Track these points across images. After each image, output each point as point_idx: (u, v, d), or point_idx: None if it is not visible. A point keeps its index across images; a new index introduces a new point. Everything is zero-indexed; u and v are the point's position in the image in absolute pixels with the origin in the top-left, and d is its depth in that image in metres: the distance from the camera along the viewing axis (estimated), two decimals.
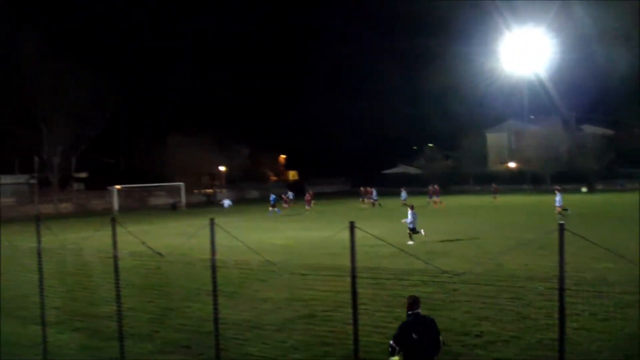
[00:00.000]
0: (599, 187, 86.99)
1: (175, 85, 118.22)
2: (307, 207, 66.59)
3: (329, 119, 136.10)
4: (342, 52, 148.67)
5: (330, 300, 17.58)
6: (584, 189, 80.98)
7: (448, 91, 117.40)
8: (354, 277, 9.78)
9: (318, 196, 76.71)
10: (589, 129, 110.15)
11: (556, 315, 9.08)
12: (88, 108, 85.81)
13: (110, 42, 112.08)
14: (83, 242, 26.82)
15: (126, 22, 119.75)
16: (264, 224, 50.70)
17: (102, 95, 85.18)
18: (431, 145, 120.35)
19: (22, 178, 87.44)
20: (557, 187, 50.77)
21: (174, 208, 75.39)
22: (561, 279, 8.29)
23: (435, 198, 68.83)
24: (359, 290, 9.95)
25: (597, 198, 67.41)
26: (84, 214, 77.46)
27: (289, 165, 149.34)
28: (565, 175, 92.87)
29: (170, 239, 36.49)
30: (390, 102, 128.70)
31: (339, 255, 27.76)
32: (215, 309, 11.67)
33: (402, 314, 16.50)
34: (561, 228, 8.24)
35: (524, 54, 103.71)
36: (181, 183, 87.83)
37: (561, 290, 8.32)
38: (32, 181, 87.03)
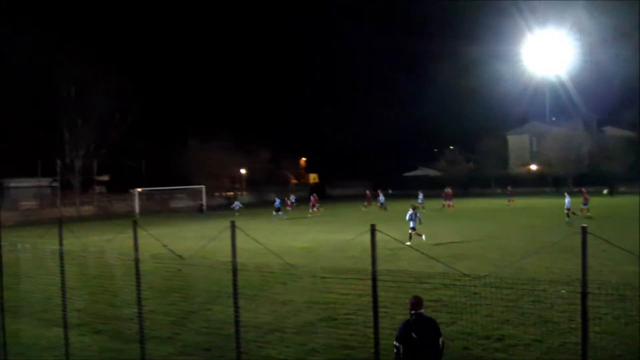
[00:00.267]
0: (621, 189, 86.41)
1: (197, 89, 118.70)
2: (310, 210, 67.40)
3: (350, 121, 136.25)
4: (364, 55, 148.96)
5: (351, 303, 17.56)
6: (605, 192, 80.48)
7: (469, 93, 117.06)
8: (374, 279, 9.76)
9: (338, 199, 76.58)
10: (610, 130, 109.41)
11: (578, 319, 9.02)
12: (110, 112, 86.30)
13: (132, 46, 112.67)
14: (105, 244, 26.95)
15: (148, 26, 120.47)
16: (284, 227, 50.67)
17: (125, 99, 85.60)
18: (452, 147, 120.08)
19: (44, 181, 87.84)
20: (567, 189, 50.82)
21: (200, 210, 75.27)
22: (584, 282, 8.23)
23: (447, 201, 68.43)
24: (380, 293, 9.91)
25: (619, 200, 66.99)
26: (105, 217, 77.79)
27: (309, 168, 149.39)
28: (586, 177, 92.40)
29: (191, 242, 36.59)
30: (411, 104, 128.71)
31: (359, 258, 27.76)
32: (236, 312, 11.67)
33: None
34: (584, 231, 8.18)
35: (546, 55, 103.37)
36: (202, 186, 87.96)
37: (584, 293, 8.26)
38: (55, 184, 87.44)
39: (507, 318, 16.20)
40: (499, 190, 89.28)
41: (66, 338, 14.81)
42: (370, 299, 10.01)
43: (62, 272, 14.91)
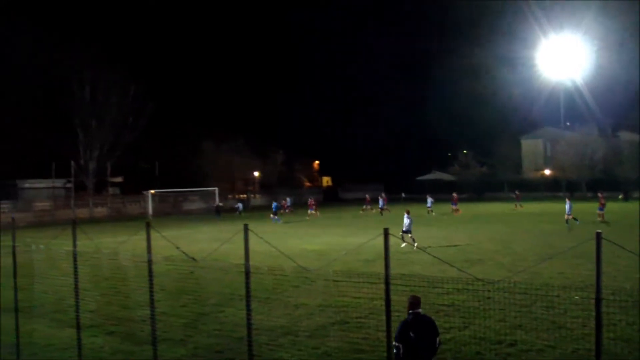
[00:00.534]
0: (635, 194, 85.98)
1: (211, 91, 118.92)
2: (308, 213, 67.79)
3: (363, 125, 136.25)
4: (380, 58, 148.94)
5: (363, 306, 17.55)
6: (620, 197, 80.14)
7: (483, 97, 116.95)
8: (387, 283, 9.74)
9: (351, 202, 76.50)
10: (625, 135, 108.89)
11: (592, 325, 8.99)
12: (124, 114, 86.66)
13: (146, 49, 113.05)
14: (118, 246, 26.98)
15: (162, 29, 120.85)
16: (297, 230, 50.71)
17: (138, 101, 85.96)
18: (465, 151, 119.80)
19: (58, 182, 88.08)
20: (568, 194, 50.85)
21: (217, 212, 75.36)
22: (598, 287, 8.19)
23: (454, 206, 68.16)
24: (392, 297, 9.90)
25: (634, 206, 66.69)
26: (118, 218, 78.03)
27: (322, 171, 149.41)
28: (600, 182, 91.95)
29: (204, 244, 36.63)
30: (425, 107, 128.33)
31: (372, 261, 27.76)
32: (249, 315, 11.66)
33: (435, 321, 16.50)
34: (598, 237, 8.13)
35: (561, 60, 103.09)
36: (215, 188, 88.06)
37: (598, 299, 8.22)
38: (69, 185, 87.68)
39: (520, 323, 16.15)
40: (512, 195, 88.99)
41: (79, 339, 14.84)
42: (383, 303, 9.99)
43: (76, 273, 14.94)
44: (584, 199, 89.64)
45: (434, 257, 16.40)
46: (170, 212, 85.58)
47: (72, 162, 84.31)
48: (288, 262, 20.43)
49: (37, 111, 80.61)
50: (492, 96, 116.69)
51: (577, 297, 16.95)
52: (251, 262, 11.47)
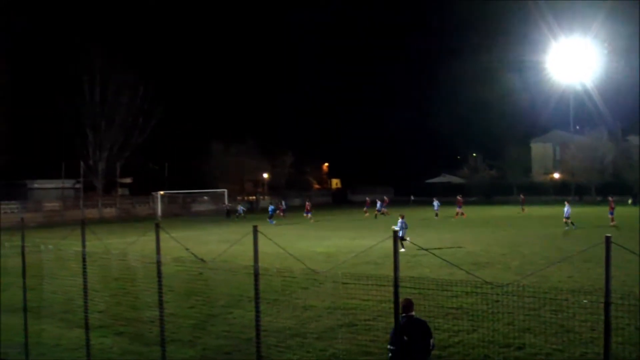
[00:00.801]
0: None
1: (221, 93, 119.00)
2: (305, 215, 68.15)
3: (373, 127, 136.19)
4: (390, 61, 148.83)
5: (371, 309, 17.54)
6: (630, 201, 79.93)
7: (493, 100, 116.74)
8: (396, 286, 9.74)
9: (360, 204, 76.43)
10: (635, 140, 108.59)
11: (600, 329, 8.97)
12: (134, 115, 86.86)
13: (157, 51, 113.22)
14: (127, 247, 27.03)
15: (172, 30, 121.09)
16: (306, 232, 50.73)
17: (148, 102, 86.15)
18: (475, 154, 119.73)
19: (68, 183, 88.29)
20: (569, 198, 51.04)
21: (227, 214, 75.13)
22: (607, 292, 8.18)
23: (458, 209, 67.85)
24: (401, 299, 9.90)
25: None
26: (127, 219, 78.15)
27: (332, 173, 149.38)
28: (610, 186, 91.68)
29: (213, 246, 36.69)
30: (435, 111, 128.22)
31: (381, 264, 27.80)
32: (257, 316, 11.66)
33: (443, 324, 16.51)
34: (608, 241, 8.12)
35: (571, 64, 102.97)
36: (224, 189, 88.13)
37: (607, 303, 8.21)
38: (78, 186, 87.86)
39: (528, 327, 16.12)
40: (524, 199, 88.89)
41: (87, 339, 14.87)
42: (391, 305, 9.99)
43: (85, 273, 14.96)
44: (593, 202, 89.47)
45: (443, 259, 16.40)
46: (179, 213, 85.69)
47: (82, 163, 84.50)
48: (297, 264, 20.46)
49: (47, 112, 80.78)
50: (501, 99, 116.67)
51: (585, 301, 16.93)
52: (260, 264, 11.48)
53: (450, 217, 64.28)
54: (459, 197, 69.75)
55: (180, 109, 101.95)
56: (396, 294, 9.71)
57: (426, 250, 16.69)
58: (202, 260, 14.50)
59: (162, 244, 13.29)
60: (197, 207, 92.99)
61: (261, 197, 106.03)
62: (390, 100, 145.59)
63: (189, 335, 16.99)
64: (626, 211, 62.01)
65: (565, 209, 47.38)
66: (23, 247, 16.31)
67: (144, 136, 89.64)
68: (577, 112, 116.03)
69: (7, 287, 21.86)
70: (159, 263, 13.26)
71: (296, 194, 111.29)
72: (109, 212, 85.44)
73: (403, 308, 10.22)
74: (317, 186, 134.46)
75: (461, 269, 18.38)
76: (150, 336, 16.64)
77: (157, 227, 13.25)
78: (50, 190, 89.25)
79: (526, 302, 17.09)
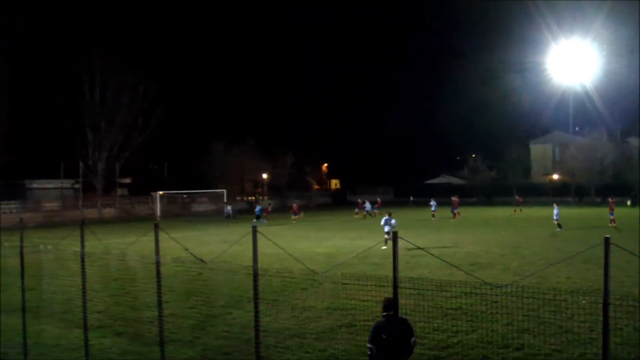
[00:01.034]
0: None
1: (220, 93, 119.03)
2: (293, 217, 68.10)
3: (372, 128, 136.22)
4: (387, 62, 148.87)
5: (371, 309, 17.54)
6: (628, 203, 79.97)
7: (493, 102, 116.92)
8: (396, 286, 9.75)
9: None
10: (634, 141, 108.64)
11: (599, 330, 9.00)
12: (134, 115, 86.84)
13: (157, 50, 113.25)
14: (126, 247, 27.05)
15: (172, 30, 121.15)
16: (306, 233, 50.75)
17: (148, 102, 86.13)
18: (474, 155, 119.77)
19: (67, 182, 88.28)
20: (556, 200, 51.35)
21: (227, 217, 74.75)
22: (605, 293, 8.19)
23: (454, 210, 67.71)
24: (400, 300, 9.92)
25: None
26: (127, 219, 78.12)
27: (331, 174, 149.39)
28: (610, 187, 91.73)
29: (213, 246, 36.73)
30: (435, 111, 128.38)
31: (380, 265, 27.82)
32: (256, 317, 11.67)
33: (442, 324, 16.55)
34: (607, 242, 8.14)
35: (570, 65, 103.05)
36: (224, 190, 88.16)
37: (605, 304, 8.22)
38: (77, 186, 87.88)
39: (527, 327, 16.13)
40: (520, 200, 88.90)
41: (87, 340, 14.87)
42: None
43: (84, 274, 14.97)
44: (593, 204, 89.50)
45: (442, 260, 16.42)
46: (179, 214, 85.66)
47: (81, 163, 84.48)
48: (296, 265, 20.48)
49: (47, 112, 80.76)
50: (501, 101, 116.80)
51: (584, 302, 16.94)
52: (260, 265, 11.50)
53: (449, 217, 64.29)
54: (453, 198, 69.69)
55: (180, 109, 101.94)
56: (396, 294, 9.73)
57: (422, 249, 16.70)
58: (201, 260, 14.52)
59: (161, 245, 13.29)
60: (196, 208, 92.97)
61: (261, 197, 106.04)
62: (390, 101, 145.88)
63: (188, 335, 17.01)
64: (625, 212, 62.06)
65: (555, 210, 47.49)
66: (22, 247, 16.32)
67: (143, 136, 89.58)
68: (577, 114, 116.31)
69: (7, 287, 21.85)
70: (158, 263, 13.26)
71: (296, 195, 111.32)
72: (109, 212, 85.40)
73: (384, 307, 10.38)
74: (316, 187, 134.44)
75: (460, 270, 18.41)
76: (149, 336, 16.65)
77: (157, 227, 13.25)
78: (49, 190, 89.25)
79: (525, 302, 17.09)
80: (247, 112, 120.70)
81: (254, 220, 61.47)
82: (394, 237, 9.56)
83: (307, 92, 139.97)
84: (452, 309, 18.27)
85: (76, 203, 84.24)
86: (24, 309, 16.03)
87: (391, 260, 9.65)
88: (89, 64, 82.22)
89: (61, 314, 19.91)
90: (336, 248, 38.18)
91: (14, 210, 74.91)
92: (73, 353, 15.98)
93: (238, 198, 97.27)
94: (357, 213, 73.24)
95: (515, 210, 72.76)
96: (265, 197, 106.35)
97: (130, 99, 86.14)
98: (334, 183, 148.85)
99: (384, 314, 10.32)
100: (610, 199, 53.13)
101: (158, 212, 79.51)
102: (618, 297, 10.33)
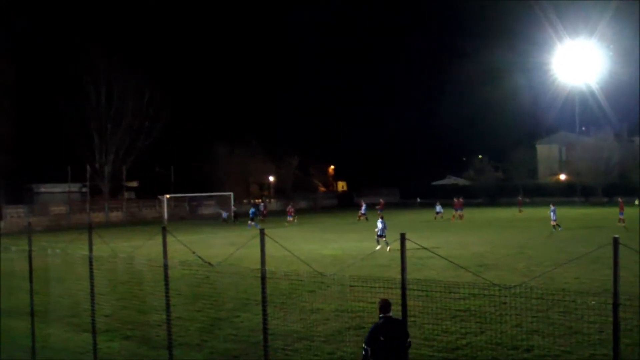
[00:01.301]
0: None
1: (227, 95, 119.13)
2: (288, 219, 68.31)
3: (379, 129, 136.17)
4: (392, 64, 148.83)
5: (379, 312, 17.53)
6: (636, 202, 79.70)
7: (498, 102, 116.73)
8: (404, 288, 9.73)
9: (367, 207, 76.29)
10: None
11: (608, 331, 8.96)
12: (140, 118, 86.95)
13: (163, 54, 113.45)
14: (133, 250, 27.04)
15: (178, 34, 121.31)
16: (312, 235, 50.73)
17: (154, 106, 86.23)
18: (480, 156, 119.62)
19: (74, 186, 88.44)
20: (554, 200, 51.66)
21: (235, 217, 74.17)
22: (615, 293, 8.16)
23: (455, 212, 67.40)
24: (408, 302, 9.90)
25: None
26: (134, 223, 78.15)
27: (337, 175, 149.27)
28: (616, 187, 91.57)
29: (220, 249, 36.67)
30: (441, 112, 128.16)
31: (388, 266, 27.77)
32: (264, 320, 11.68)
33: (451, 326, 16.50)
34: (615, 242, 8.11)
35: (576, 65, 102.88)
36: (230, 193, 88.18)
37: (615, 305, 8.19)
38: (84, 190, 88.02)
39: (536, 329, 16.09)
40: (527, 200, 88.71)
41: (95, 343, 14.89)
42: (398, 308, 10.01)
43: (92, 277, 14.99)
44: (599, 204, 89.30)
45: (450, 262, 16.38)
46: (186, 217, 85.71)
47: (88, 167, 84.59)
48: (304, 267, 20.45)
49: (53, 116, 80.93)
50: (507, 101, 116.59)
51: (593, 303, 16.89)
52: (267, 267, 11.49)
53: (447, 219, 64.27)
54: (455, 199, 69.55)
55: (186, 112, 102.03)
56: (404, 296, 9.72)
57: (425, 248, 16.66)
58: (208, 263, 14.50)
59: (168, 248, 13.31)
60: (203, 211, 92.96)
61: (267, 200, 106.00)
62: (395, 102, 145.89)
63: (196, 338, 17.00)
64: (632, 212, 61.93)
65: (551, 212, 47.49)
66: (30, 251, 16.35)
67: (149, 139, 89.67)
68: (583, 114, 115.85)
69: (15, 291, 21.87)
70: (166, 267, 13.27)
71: (302, 197, 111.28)
72: (116, 215, 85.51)
73: (381, 308, 10.40)
74: (322, 189, 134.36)
75: (468, 271, 18.36)
76: (157, 340, 16.63)
77: (164, 230, 13.26)
78: (56, 194, 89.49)
79: (534, 303, 17.06)
80: (253, 115, 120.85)
81: (249, 222, 61.12)
82: (402, 239, 9.54)
83: (312, 94, 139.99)
84: (460, 310, 18.24)
85: (83, 207, 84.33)
86: (32, 313, 16.06)
87: (398, 262, 9.63)
88: (95, 68, 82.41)
89: (69, 317, 19.92)
90: (343, 250, 38.15)
91: (22, 214, 75.04)
92: (81, 357, 15.98)
93: (244, 201, 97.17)
94: (360, 216, 73.23)
95: (520, 211, 72.53)
96: (272, 200, 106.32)
97: (135, 102, 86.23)
98: (341, 185, 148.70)
99: (381, 315, 10.36)
100: (619, 199, 53.03)
101: (165, 216, 79.54)
102: (627, 297, 10.29)
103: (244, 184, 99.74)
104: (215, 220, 76.90)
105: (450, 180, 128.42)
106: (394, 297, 10.65)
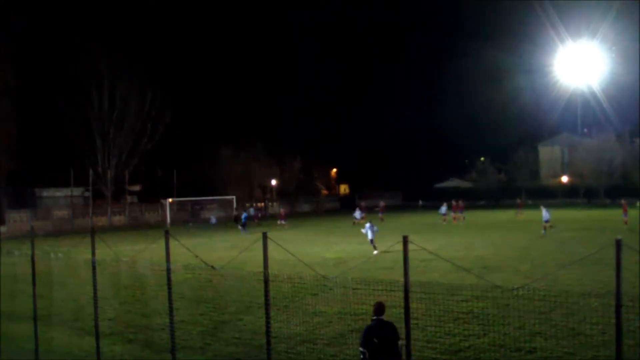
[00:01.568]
0: None
1: (229, 98, 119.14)
2: (279, 222, 68.79)
3: (381, 132, 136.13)
4: (394, 66, 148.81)
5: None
6: (638, 204, 79.64)
7: (500, 104, 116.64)
8: (407, 291, 9.75)
9: (368, 210, 76.30)
10: None
11: (611, 332, 8.97)
12: (142, 122, 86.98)
13: (165, 56, 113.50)
14: (136, 254, 27.08)
15: (180, 37, 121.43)
16: (315, 238, 50.75)
17: (157, 109, 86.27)
18: (483, 158, 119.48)
19: (77, 191, 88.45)
20: (544, 202, 51.59)
21: (236, 220, 73.40)
22: (618, 294, 8.16)
23: (453, 214, 67.17)
24: (411, 304, 9.92)
25: None
26: (137, 227, 78.17)
27: (340, 178, 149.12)
28: (619, 189, 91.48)
29: (223, 252, 36.68)
30: (442, 115, 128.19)
31: (391, 269, 27.72)
32: (267, 323, 11.69)
33: (454, 328, 16.49)
34: (618, 243, 8.12)
35: (578, 67, 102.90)
36: (233, 196, 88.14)
37: (618, 306, 8.19)
38: (87, 194, 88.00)
39: (538, 330, 16.09)
40: (529, 202, 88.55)
41: (98, 347, 14.91)
42: (401, 311, 10.01)
43: (95, 281, 15.02)
44: (602, 205, 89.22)
45: (453, 264, 16.40)
46: (188, 220, 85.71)
47: (91, 171, 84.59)
48: (306, 270, 20.45)
49: (55, 119, 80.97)
50: (509, 103, 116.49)
51: (596, 304, 16.90)
52: (270, 270, 11.51)
53: (458, 221, 64.32)
54: (454, 202, 69.42)
55: (189, 115, 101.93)
56: (407, 299, 9.72)
57: (425, 249, 16.69)
58: (211, 267, 14.52)
59: (171, 251, 13.32)
60: (206, 214, 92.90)
61: (270, 203, 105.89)
62: (397, 105, 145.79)
63: (199, 342, 17.02)
64: (633, 213, 61.91)
65: (544, 213, 47.46)
66: (33, 255, 16.37)
67: (152, 143, 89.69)
68: (585, 115, 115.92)
69: (18, 295, 21.91)
70: (168, 270, 13.29)
71: (305, 200, 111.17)
72: (118, 219, 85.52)
73: (374, 311, 10.69)
74: (325, 191, 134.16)
75: (471, 273, 18.36)
76: (160, 343, 16.66)
77: (167, 234, 13.28)
78: (59, 198, 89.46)
79: (536, 305, 17.07)
80: (255, 117, 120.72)
81: (240, 227, 60.70)
82: (405, 241, 9.55)
83: (314, 96, 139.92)
84: (463, 312, 18.23)
85: (86, 211, 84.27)
86: (35, 317, 16.08)
87: (401, 264, 9.64)
88: (97, 71, 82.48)
89: (72, 321, 19.95)
90: (345, 253, 38.14)
91: (24, 219, 75.10)
92: None
93: (247, 204, 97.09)
94: (363, 218, 73.12)
95: (516, 213, 72.37)
96: (275, 203, 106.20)
97: (138, 106, 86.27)
98: (343, 188, 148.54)
99: (374, 317, 10.60)
100: (623, 201, 52.96)
101: (168, 219, 79.55)
102: (630, 298, 10.30)
103: (247, 187, 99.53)
104: (217, 224, 76.91)
105: (452, 182, 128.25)
106: (397, 299, 10.67)
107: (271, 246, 11.49)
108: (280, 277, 17.29)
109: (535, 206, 70.87)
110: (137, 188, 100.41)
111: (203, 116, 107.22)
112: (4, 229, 69.30)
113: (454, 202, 69.12)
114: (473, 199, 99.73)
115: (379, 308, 10.66)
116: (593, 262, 25.82)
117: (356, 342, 15.78)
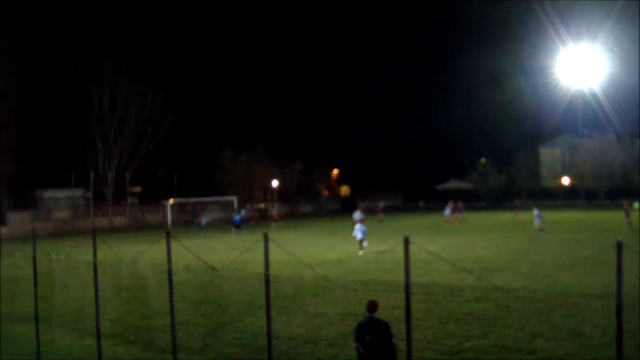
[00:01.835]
0: None
1: (230, 100, 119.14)
2: (272, 224, 69.60)
3: (382, 133, 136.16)
4: (395, 67, 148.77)
5: (383, 315, 17.50)
6: (636, 205, 79.58)
7: (501, 105, 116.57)
8: (408, 292, 9.76)
9: (369, 211, 76.24)
10: None
11: (612, 333, 8.96)
12: (143, 123, 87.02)
13: (166, 58, 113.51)
14: (137, 255, 27.09)
15: (181, 39, 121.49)
16: (316, 239, 50.78)
17: (158, 110, 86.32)
18: (483, 160, 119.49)
19: (78, 192, 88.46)
20: (537, 205, 51.67)
21: (201, 228, 72.65)
22: (619, 296, 8.18)
23: (450, 215, 67.08)
24: (412, 305, 9.93)
25: None
26: (138, 228, 78.15)
27: (341, 179, 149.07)
28: (619, 190, 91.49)
29: (224, 254, 36.69)
30: (444, 116, 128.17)
31: (391, 270, 27.71)
32: (269, 323, 11.70)
33: (455, 329, 16.51)
34: (619, 245, 8.13)
35: (579, 68, 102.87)
36: (234, 197, 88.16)
37: (619, 307, 8.21)
38: (88, 195, 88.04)
39: (539, 331, 16.10)
40: (530, 203, 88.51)
41: (99, 348, 14.92)
42: (402, 312, 10.02)
43: (96, 282, 15.02)
44: (602, 207, 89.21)
45: (454, 265, 16.40)
46: (189, 222, 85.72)
47: (92, 172, 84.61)
48: (307, 271, 20.48)
49: (56, 121, 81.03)
50: (510, 104, 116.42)
51: (597, 305, 16.90)
52: (271, 271, 11.52)
53: (460, 221, 64.35)
54: (452, 203, 69.40)
55: (189, 116, 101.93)
56: (407, 299, 9.73)
57: (428, 251, 16.70)
58: (212, 268, 14.55)
59: (172, 252, 13.34)
60: (207, 215, 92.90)
61: (271, 204, 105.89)
62: (398, 106, 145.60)
63: (200, 343, 17.02)
64: (634, 216, 61.93)
65: (535, 215, 47.52)
66: (34, 256, 16.39)
67: (153, 144, 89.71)
68: (586, 117, 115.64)
69: (19, 296, 21.95)
70: (170, 271, 13.30)
71: (306, 201, 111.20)
72: (119, 221, 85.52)
73: (367, 309, 10.90)
74: (326, 192, 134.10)
75: (472, 274, 18.37)
76: (161, 344, 16.67)
77: (169, 235, 13.29)
78: (60, 199, 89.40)
79: (537, 306, 17.08)
80: (256, 118, 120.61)
81: (233, 229, 60.41)
82: (406, 243, 9.57)
83: (316, 98, 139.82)
84: (464, 313, 18.23)
85: (87, 212, 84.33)
86: (36, 318, 16.09)
87: (402, 265, 9.66)
88: (98, 73, 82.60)
89: (73, 322, 19.96)
90: (346, 254, 38.14)
91: (25, 220, 75.13)
92: None
93: (248, 205, 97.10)
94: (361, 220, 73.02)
95: (515, 215, 72.36)
96: (276, 204, 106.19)
97: (139, 107, 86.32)
98: (344, 189, 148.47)
99: (367, 314, 10.83)
100: (624, 203, 52.93)
101: (169, 220, 79.56)
102: (630, 299, 10.31)
103: (248, 188, 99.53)
104: (218, 225, 76.90)
105: (453, 184, 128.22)
106: (398, 300, 10.71)
107: (272, 247, 11.50)
108: (281, 278, 17.33)
109: (537, 208, 70.91)
110: (138, 189, 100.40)
111: (203, 117, 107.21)
112: (5, 230, 69.33)
113: (452, 204, 69.11)
114: (474, 201, 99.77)
115: (372, 306, 10.86)
116: (593, 263, 25.83)
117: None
